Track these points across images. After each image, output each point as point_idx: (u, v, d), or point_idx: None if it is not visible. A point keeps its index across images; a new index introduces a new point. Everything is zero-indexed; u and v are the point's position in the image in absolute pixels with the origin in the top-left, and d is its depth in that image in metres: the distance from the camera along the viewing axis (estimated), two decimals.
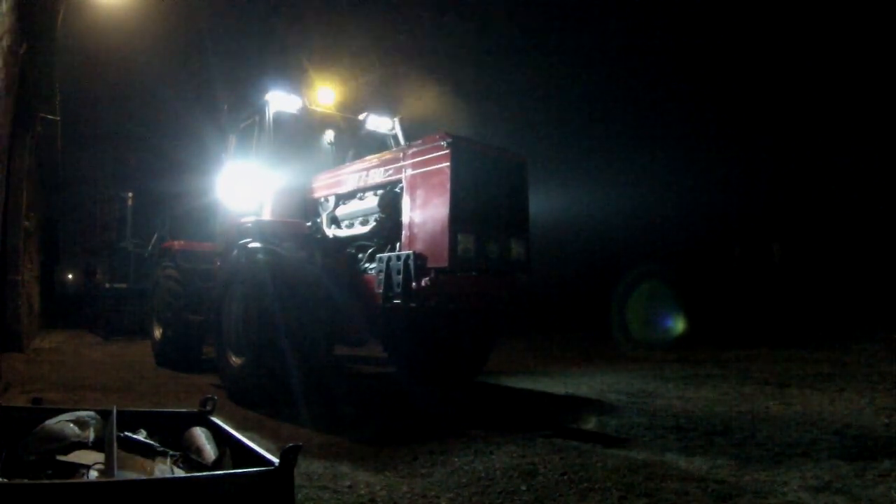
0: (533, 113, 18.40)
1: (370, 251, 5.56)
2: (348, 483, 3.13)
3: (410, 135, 7.30)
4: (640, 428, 4.34)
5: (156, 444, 2.36)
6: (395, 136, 7.44)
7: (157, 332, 8.22)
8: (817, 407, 4.98)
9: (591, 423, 4.57)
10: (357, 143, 7.41)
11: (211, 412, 2.55)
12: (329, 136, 7.37)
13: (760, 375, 6.77)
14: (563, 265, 17.63)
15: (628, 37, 18.07)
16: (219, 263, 6.95)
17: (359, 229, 5.74)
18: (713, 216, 17.56)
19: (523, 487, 3.07)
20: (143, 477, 2.01)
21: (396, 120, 7.49)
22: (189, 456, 2.30)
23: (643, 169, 18.31)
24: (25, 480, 1.92)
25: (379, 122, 7.40)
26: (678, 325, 12.69)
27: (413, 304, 4.78)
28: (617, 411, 4.99)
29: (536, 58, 18.37)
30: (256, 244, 5.60)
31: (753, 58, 16.94)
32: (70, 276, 24.86)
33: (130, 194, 15.76)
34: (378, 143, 7.42)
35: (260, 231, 5.86)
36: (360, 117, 7.38)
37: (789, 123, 16.93)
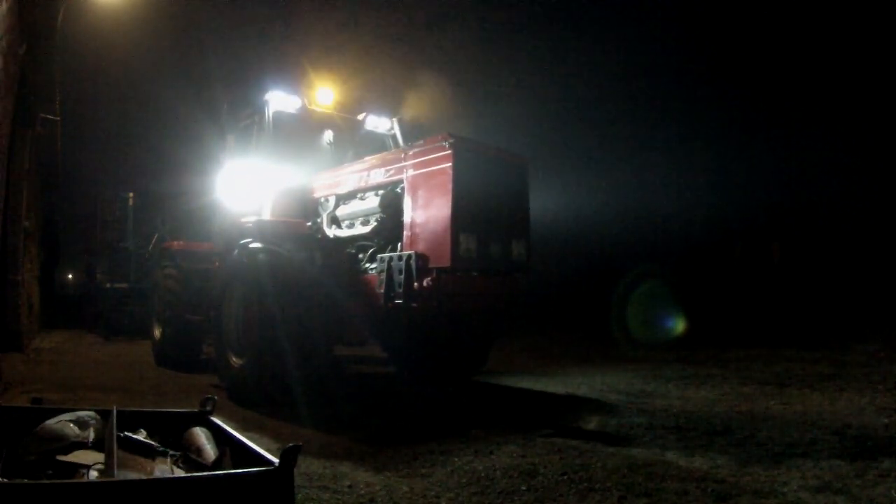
0: (534, 113, 18.40)
1: (371, 251, 5.56)
2: (348, 483, 3.13)
3: (409, 135, 7.29)
4: (640, 428, 4.34)
5: (156, 444, 2.36)
6: (393, 137, 7.44)
7: (157, 332, 8.22)
8: (817, 407, 4.98)
9: (591, 423, 4.57)
10: (356, 143, 7.41)
11: (211, 412, 2.55)
12: (328, 136, 7.36)
13: (760, 375, 6.76)
14: (563, 265, 17.64)
15: (629, 37, 18.07)
16: (218, 263, 6.95)
17: (360, 229, 5.73)
18: (713, 216, 17.55)
19: (523, 487, 3.07)
20: (143, 477, 2.01)
21: (395, 120, 7.49)
22: (189, 456, 2.30)
23: (643, 169, 18.31)
24: (25, 480, 1.92)
25: (378, 123, 7.40)
26: (678, 325, 12.68)
27: (415, 304, 4.78)
28: (617, 411, 4.99)
29: (537, 58, 18.37)
30: (257, 244, 5.60)
31: (753, 57, 16.94)
32: (70, 276, 24.85)
33: (130, 194, 15.76)
34: (377, 144, 7.41)
35: (260, 231, 5.86)
36: (359, 117, 7.38)
37: (789, 123, 16.93)
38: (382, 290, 4.89)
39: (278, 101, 6.68)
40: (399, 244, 5.19)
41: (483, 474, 3.27)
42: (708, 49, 17.27)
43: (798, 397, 5.44)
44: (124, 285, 14.41)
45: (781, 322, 12.67)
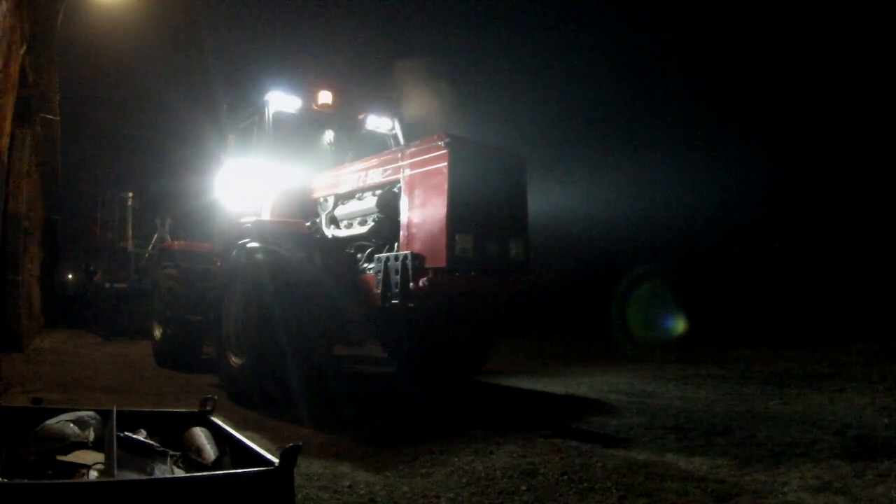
0: (534, 113, 18.40)
1: (369, 251, 5.56)
2: (348, 483, 3.13)
3: (410, 134, 7.29)
4: (640, 428, 4.34)
5: (156, 444, 2.35)
6: (394, 136, 7.43)
7: (157, 332, 8.22)
8: (817, 407, 4.98)
9: (591, 423, 4.57)
10: (356, 143, 7.40)
11: (211, 412, 2.55)
12: (328, 135, 7.36)
13: (760, 375, 6.76)
14: (563, 265, 17.63)
15: (629, 37, 18.08)
16: (218, 263, 6.95)
17: (358, 229, 5.73)
18: (713, 216, 17.56)
19: (523, 487, 3.07)
20: (143, 477, 2.01)
21: (396, 120, 7.48)
22: (189, 456, 2.30)
23: (643, 169, 18.32)
24: (25, 480, 1.92)
25: (378, 122, 7.39)
26: (678, 325, 12.68)
27: (411, 304, 4.78)
28: (617, 411, 4.99)
29: (537, 57, 18.38)
30: (256, 244, 5.59)
31: (753, 58, 16.94)
32: (70, 276, 24.80)
33: (130, 194, 15.78)
34: (378, 143, 7.40)
35: (259, 231, 5.86)
36: (360, 117, 7.37)
37: (789, 124, 16.93)
38: (380, 291, 4.89)
39: (278, 101, 6.67)
40: (396, 244, 5.19)
41: (483, 474, 3.27)
42: (708, 49, 17.27)
43: (798, 397, 5.44)
44: (124, 285, 14.41)
45: (781, 322, 12.68)
